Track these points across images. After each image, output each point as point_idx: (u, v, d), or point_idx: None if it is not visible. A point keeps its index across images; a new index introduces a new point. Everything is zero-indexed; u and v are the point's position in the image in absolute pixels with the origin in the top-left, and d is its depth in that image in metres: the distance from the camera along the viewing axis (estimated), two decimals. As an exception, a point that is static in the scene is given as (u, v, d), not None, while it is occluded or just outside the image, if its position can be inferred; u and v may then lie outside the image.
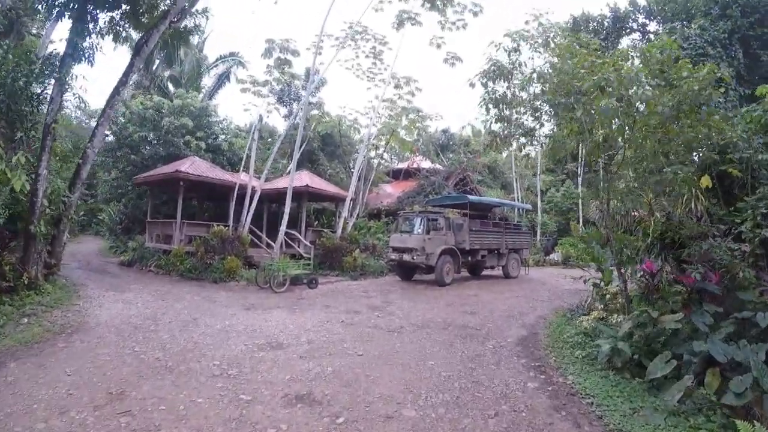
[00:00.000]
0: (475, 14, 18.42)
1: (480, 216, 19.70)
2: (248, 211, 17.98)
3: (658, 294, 8.06)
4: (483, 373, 6.31)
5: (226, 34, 64.20)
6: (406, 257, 15.78)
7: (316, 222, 24.65)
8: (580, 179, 32.19)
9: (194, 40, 31.05)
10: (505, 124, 7.52)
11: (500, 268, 18.96)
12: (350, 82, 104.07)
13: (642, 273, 8.08)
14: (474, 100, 39.18)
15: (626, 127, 6.36)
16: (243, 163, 20.63)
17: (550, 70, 6.39)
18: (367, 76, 21.99)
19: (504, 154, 39.11)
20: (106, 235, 27.31)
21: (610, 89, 5.63)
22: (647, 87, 5.55)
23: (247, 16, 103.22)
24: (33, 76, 11.37)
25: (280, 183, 20.70)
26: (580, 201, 31.69)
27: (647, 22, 14.37)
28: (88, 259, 20.32)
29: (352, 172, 22.23)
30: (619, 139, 6.91)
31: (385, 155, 32.90)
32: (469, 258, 17.29)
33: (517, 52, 7.12)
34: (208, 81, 34.95)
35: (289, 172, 18.31)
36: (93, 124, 18.45)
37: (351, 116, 27.89)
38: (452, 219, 16.75)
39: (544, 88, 6.50)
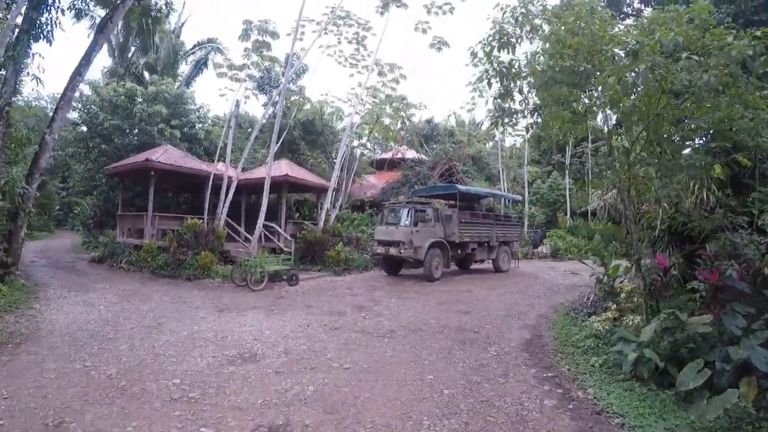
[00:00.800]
0: (462, -3, 17.68)
1: (468, 207, 18.96)
2: (224, 203, 16.89)
3: (667, 292, 7.40)
4: (491, 389, 5.45)
5: (205, 19, 62.56)
6: (393, 251, 14.93)
7: (297, 214, 23.79)
8: (567, 170, 31.90)
9: (170, 25, 29.93)
10: (512, 99, 6.67)
11: (490, 261, 18.23)
12: (333, 69, 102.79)
13: (647, 268, 7.41)
14: (460, 85, 38.66)
15: (651, 103, 5.53)
16: (218, 152, 19.57)
17: (568, 35, 5.51)
18: (350, 63, 21.00)
19: (489, 145, 38.62)
20: (80, 230, 26.12)
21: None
22: (692, 54, 4.73)
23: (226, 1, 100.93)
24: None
25: (258, 173, 19.63)
26: (567, 192, 31.39)
27: (642, 7, 13.77)
28: (59, 256, 19.28)
29: (335, 162, 21.32)
30: (636, 118, 6.09)
31: (368, 145, 32.04)
32: (459, 251, 16.53)
33: (528, 16, 6.25)
34: (185, 68, 33.65)
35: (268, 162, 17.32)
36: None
37: (333, 104, 27.00)
38: (441, 210, 15.86)
39: (562, 53, 5.61)
